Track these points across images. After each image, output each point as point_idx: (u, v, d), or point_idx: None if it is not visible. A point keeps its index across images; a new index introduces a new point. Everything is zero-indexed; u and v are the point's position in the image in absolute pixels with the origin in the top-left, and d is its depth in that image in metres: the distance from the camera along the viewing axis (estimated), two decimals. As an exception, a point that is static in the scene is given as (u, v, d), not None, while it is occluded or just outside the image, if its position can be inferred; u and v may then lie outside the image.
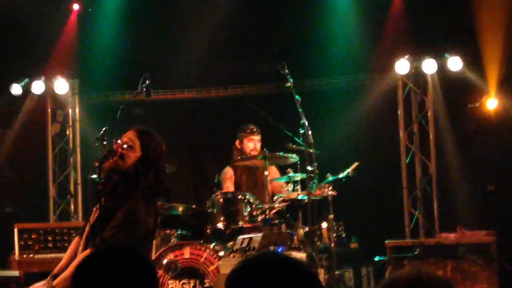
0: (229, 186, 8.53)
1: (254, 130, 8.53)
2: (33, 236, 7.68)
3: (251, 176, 8.62)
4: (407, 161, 9.80)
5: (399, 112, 9.88)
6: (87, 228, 5.03)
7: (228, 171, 8.65)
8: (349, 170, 7.97)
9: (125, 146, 4.97)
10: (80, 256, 4.93)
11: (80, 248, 5.02)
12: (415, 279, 2.28)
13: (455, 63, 9.46)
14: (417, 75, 9.76)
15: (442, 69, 9.59)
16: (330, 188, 7.76)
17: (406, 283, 2.28)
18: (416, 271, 2.30)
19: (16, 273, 6.45)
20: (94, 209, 5.05)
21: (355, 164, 8.01)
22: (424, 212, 9.68)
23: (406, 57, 9.59)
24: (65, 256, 5.24)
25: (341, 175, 7.96)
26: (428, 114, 9.77)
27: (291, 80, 7.78)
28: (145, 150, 4.98)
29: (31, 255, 7.60)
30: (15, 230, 7.72)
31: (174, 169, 8.13)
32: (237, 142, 8.63)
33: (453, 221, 8.91)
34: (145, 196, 4.92)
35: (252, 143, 8.49)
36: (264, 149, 7.95)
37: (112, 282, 2.58)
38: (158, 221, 5.10)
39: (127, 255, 2.69)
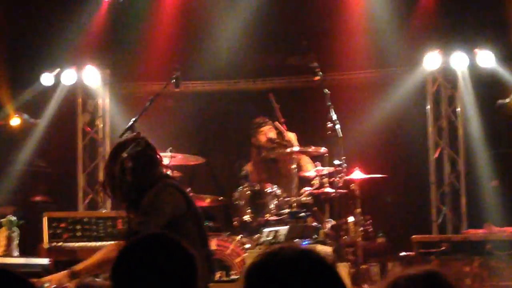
0: None
1: (261, 122, 8.51)
2: (62, 225, 7.73)
3: (272, 170, 8.58)
4: (435, 157, 9.75)
5: (428, 106, 9.84)
6: None
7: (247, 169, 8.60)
8: None
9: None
10: (106, 248, 4.98)
11: None
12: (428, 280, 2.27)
13: (486, 58, 9.39)
14: (447, 69, 9.70)
15: (472, 64, 9.52)
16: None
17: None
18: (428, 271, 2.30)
19: (45, 261, 6.51)
20: None
21: None
22: (452, 208, 9.63)
23: (437, 51, 9.54)
24: None
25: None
26: (458, 109, 9.71)
27: (320, 73, 7.77)
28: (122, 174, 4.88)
29: (60, 244, 7.68)
30: (44, 219, 7.79)
31: (202, 161, 8.19)
32: (252, 140, 8.62)
33: (481, 217, 8.86)
34: (160, 187, 4.93)
35: (264, 135, 8.47)
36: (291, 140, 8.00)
37: (150, 271, 2.60)
38: (191, 203, 5.03)
39: (166, 245, 2.70)
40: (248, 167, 8.53)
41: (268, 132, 8.46)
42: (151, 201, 4.84)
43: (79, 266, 4.92)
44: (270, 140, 8.40)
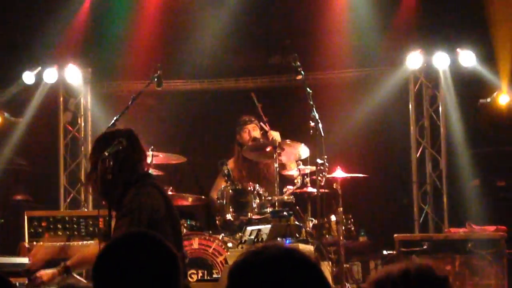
0: (218, 181, 8.44)
1: (247, 120, 8.53)
2: (43, 224, 7.69)
3: (252, 170, 8.57)
4: (417, 156, 9.78)
5: (410, 106, 9.87)
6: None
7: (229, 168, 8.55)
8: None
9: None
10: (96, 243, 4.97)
11: None
12: (408, 273, 2.29)
13: (467, 58, 9.44)
14: (429, 69, 9.73)
15: (454, 64, 9.56)
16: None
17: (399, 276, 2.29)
18: (409, 265, 2.31)
19: (25, 260, 6.46)
20: None
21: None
22: (434, 207, 9.67)
23: (419, 51, 9.57)
24: None
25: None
26: (440, 109, 9.75)
27: (302, 72, 7.76)
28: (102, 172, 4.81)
29: (41, 243, 7.63)
30: (25, 218, 7.74)
31: (184, 160, 8.17)
32: (237, 137, 8.64)
33: (462, 216, 8.90)
34: (140, 183, 4.90)
35: (247, 133, 8.48)
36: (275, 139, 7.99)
37: (132, 270, 2.57)
38: (169, 205, 4.99)
39: (147, 243, 2.67)
40: (230, 164, 8.51)
41: (252, 131, 8.48)
42: (130, 203, 4.78)
43: (71, 261, 4.93)
44: (253, 139, 8.41)
